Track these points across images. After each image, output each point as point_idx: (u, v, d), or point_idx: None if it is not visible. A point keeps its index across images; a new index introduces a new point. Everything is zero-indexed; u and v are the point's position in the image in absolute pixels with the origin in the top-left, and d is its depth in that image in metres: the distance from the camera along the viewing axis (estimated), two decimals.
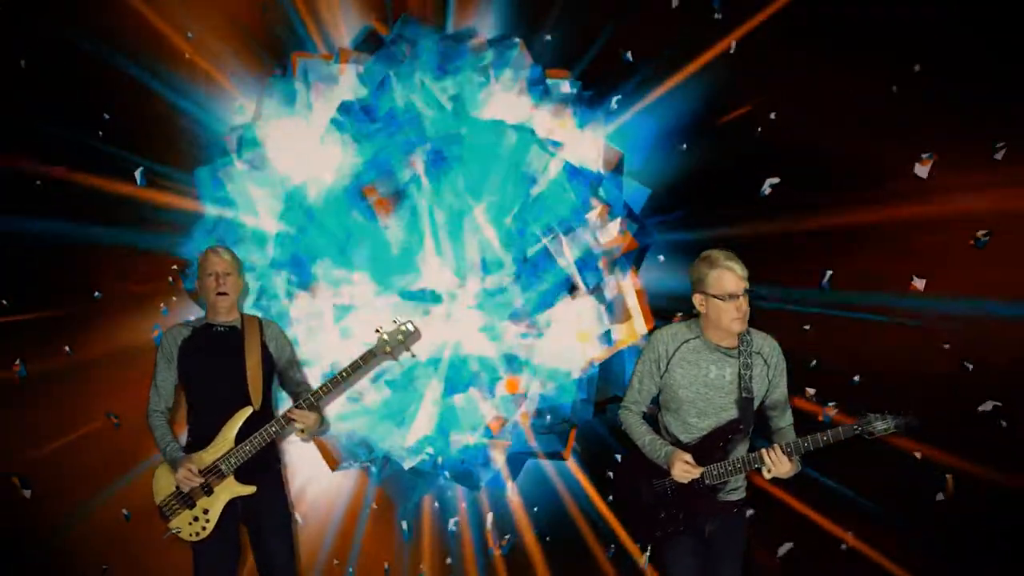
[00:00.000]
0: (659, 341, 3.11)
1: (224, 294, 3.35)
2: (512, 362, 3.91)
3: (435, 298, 3.89)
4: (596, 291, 3.87)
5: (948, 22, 3.34)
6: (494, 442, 3.93)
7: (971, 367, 3.45)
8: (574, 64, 3.90)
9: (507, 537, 4.04)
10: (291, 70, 3.95)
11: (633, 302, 3.88)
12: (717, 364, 3.01)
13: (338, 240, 3.87)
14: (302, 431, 3.35)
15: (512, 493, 3.98)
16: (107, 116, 3.85)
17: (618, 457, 3.78)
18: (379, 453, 3.99)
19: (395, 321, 3.46)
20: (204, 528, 3.28)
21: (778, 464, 2.85)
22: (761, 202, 3.70)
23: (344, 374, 3.37)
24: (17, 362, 3.87)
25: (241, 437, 3.29)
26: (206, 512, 3.29)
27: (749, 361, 2.97)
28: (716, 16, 3.65)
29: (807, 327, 3.61)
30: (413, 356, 3.54)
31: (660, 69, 3.77)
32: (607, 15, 3.77)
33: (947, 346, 3.46)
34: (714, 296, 2.90)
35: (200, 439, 3.34)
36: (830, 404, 3.67)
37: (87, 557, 3.94)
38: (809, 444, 2.82)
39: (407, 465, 3.92)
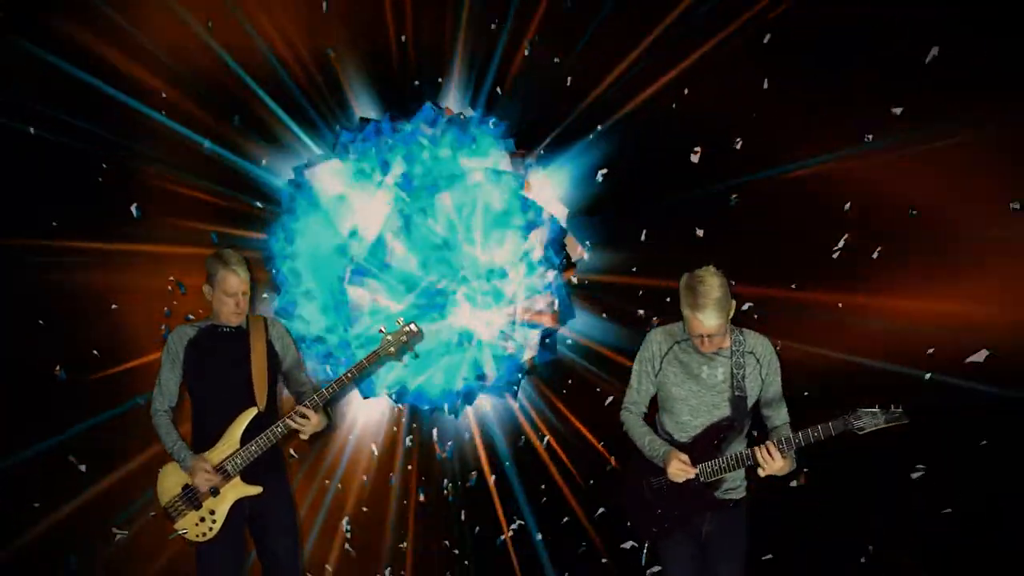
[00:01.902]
0: (652, 341, 3.06)
1: (240, 314, 3.29)
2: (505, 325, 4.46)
3: (443, 292, 4.34)
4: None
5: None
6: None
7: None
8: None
9: (449, 443, 4.52)
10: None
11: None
12: (709, 363, 2.94)
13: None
14: (302, 430, 3.26)
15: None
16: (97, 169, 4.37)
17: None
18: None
19: (399, 323, 3.41)
20: (211, 529, 3.22)
21: (770, 461, 2.75)
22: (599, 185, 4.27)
23: (350, 374, 3.30)
24: (58, 368, 4.30)
25: (247, 438, 3.23)
26: (212, 513, 3.21)
27: (742, 360, 2.88)
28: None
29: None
30: (416, 356, 3.45)
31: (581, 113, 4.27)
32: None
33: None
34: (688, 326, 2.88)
35: (205, 440, 3.27)
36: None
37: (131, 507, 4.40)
38: (800, 439, 2.72)
39: (444, 408, 4.44)
